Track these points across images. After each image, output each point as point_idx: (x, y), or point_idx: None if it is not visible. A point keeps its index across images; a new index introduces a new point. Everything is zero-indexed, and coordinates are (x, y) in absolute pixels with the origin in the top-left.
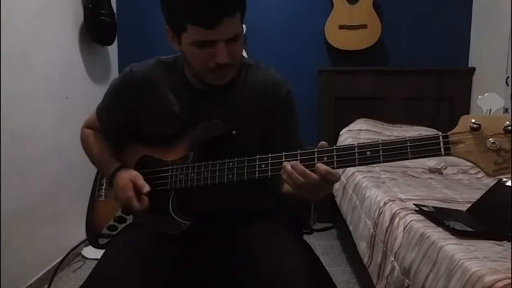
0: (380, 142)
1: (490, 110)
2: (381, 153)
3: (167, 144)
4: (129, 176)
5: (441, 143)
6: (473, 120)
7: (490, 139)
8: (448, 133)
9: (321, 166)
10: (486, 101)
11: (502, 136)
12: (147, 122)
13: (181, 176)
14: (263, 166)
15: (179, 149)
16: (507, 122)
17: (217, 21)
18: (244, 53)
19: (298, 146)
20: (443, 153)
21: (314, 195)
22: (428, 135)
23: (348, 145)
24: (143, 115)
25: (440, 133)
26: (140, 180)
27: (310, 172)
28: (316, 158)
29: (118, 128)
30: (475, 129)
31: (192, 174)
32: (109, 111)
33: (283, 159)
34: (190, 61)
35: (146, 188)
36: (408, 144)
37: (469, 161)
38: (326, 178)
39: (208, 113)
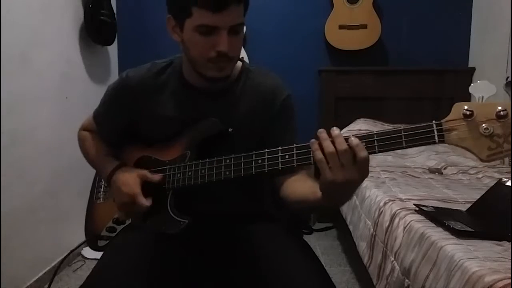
0: (375, 132)
1: (483, 97)
2: (376, 143)
3: (165, 144)
4: (136, 175)
5: (435, 130)
6: (465, 107)
7: (483, 125)
8: (442, 120)
9: (354, 139)
10: (478, 89)
11: (495, 121)
12: (145, 125)
13: (178, 175)
14: (259, 161)
15: (176, 148)
16: (499, 108)
17: (224, 5)
18: (245, 56)
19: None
20: (437, 141)
21: (342, 175)
22: (421, 124)
23: (343, 136)
24: (141, 118)
25: (434, 120)
26: (149, 174)
27: (342, 138)
28: (312, 152)
29: (115, 132)
30: (468, 116)
31: (190, 173)
32: (106, 116)
33: (279, 154)
34: (191, 50)
35: (157, 177)
36: (403, 134)
37: (462, 147)
38: (355, 152)
39: (205, 113)
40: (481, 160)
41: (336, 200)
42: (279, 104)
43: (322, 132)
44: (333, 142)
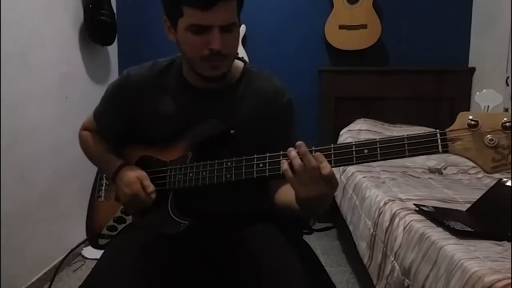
0: (378, 140)
1: (488, 106)
2: (378, 151)
3: (166, 145)
4: (137, 174)
5: (439, 140)
6: (470, 117)
7: (488, 135)
8: (446, 130)
9: (318, 155)
10: (484, 98)
11: (500, 132)
12: (145, 124)
13: (179, 176)
14: (261, 165)
15: (177, 149)
16: (505, 119)
17: (212, 2)
18: (245, 56)
19: None
20: (440, 151)
21: (313, 190)
22: (425, 132)
23: (346, 143)
24: (141, 117)
25: (437, 130)
26: (147, 181)
27: (310, 156)
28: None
29: (116, 131)
30: (473, 126)
31: (191, 174)
32: (107, 115)
33: (281, 158)
34: (185, 49)
35: (151, 188)
36: (406, 142)
37: (466, 158)
38: (319, 169)
39: (206, 113)
40: (485, 171)
41: (312, 211)
42: (279, 107)
43: (291, 151)
44: (301, 159)
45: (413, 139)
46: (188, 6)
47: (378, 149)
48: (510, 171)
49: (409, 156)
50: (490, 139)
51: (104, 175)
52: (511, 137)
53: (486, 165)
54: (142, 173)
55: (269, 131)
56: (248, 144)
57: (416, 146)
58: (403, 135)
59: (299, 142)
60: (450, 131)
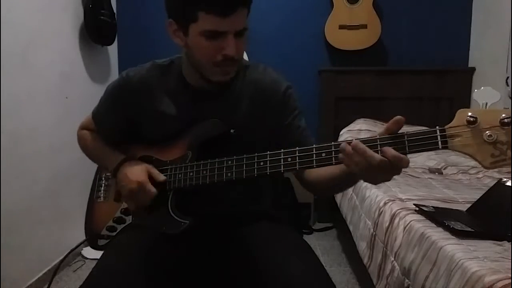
0: (378, 137)
1: (487, 103)
2: (379, 148)
3: (166, 144)
4: (145, 166)
5: (438, 137)
6: (469, 114)
7: (487, 132)
8: (445, 126)
9: (387, 151)
10: (483, 95)
11: (499, 128)
12: (145, 125)
13: (179, 175)
14: (261, 163)
15: (177, 148)
16: (503, 115)
17: (232, 9)
18: (245, 56)
19: (307, 138)
20: (440, 147)
21: (376, 178)
22: (425, 129)
23: (346, 140)
24: (140, 118)
25: (437, 127)
26: (155, 170)
27: (372, 152)
28: (314, 155)
29: (115, 131)
30: (472, 123)
31: (191, 173)
32: (106, 116)
33: (282, 156)
34: (196, 55)
35: (162, 177)
36: (406, 139)
37: (466, 154)
38: (393, 163)
39: (206, 113)
40: (484, 167)
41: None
42: (279, 97)
43: (345, 146)
44: (363, 158)
45: (413, 136)
46: (205, 12)
47: (379, 146)
48: (510, 170)
49: (409, 152)
50: (489, 135)
51: (103, 174)
52: (510, 133)
53: (485, 161)
54: (149, 166)
55: (273, 124)
56: (249, 142)
57: (416, 143)
58: (403, 132)
59: (355, 143)
60: (449, 127)
